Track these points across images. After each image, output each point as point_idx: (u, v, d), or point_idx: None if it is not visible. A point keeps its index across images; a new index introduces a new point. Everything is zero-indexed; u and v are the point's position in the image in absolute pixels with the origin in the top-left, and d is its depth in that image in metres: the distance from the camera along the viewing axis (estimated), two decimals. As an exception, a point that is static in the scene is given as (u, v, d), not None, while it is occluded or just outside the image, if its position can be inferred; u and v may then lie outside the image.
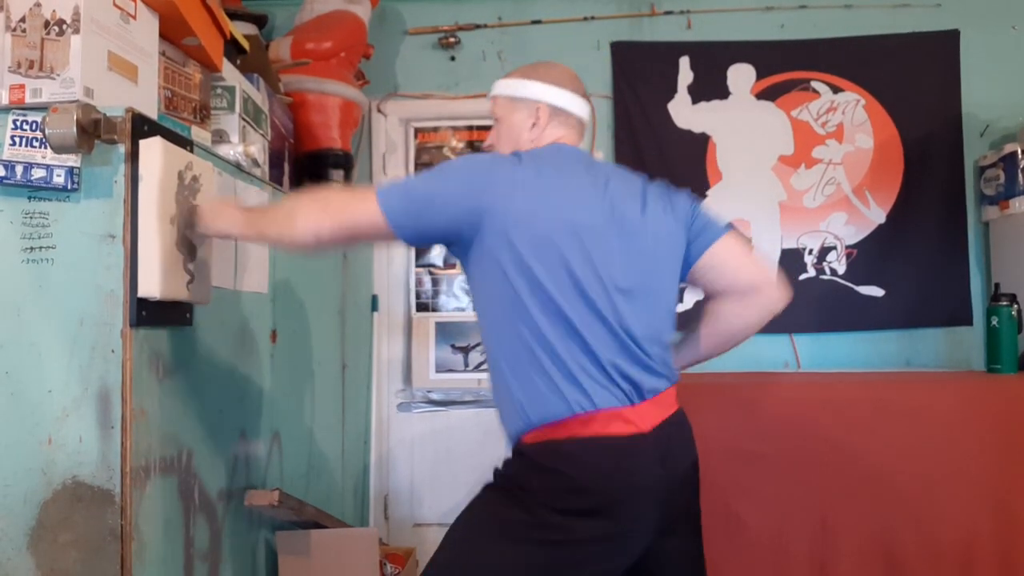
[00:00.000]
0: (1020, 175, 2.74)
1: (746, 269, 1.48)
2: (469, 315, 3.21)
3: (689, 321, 1.64)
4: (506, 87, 1.55)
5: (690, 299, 3.00)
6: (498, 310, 1.36)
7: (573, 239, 1.33)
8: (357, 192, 1.38)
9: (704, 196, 3.07)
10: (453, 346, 3.19)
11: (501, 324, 1.36)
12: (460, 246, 1.39)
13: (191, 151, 1.52)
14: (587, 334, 1.31)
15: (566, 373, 1.31)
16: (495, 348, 1.38)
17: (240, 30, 2.13)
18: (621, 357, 1.34)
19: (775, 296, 1.48)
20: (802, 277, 3.02)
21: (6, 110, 1.36)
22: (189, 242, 1.47)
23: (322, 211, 1.34)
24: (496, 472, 1.40)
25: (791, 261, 3.02)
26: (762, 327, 1.51)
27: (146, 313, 1.37)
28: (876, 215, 3.05)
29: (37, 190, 1.35)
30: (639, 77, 3.12)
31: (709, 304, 1.54)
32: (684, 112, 3.10)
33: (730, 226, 1.50)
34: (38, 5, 1.37)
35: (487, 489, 1.40)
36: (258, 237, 1.51)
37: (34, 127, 1.35)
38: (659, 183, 1.52)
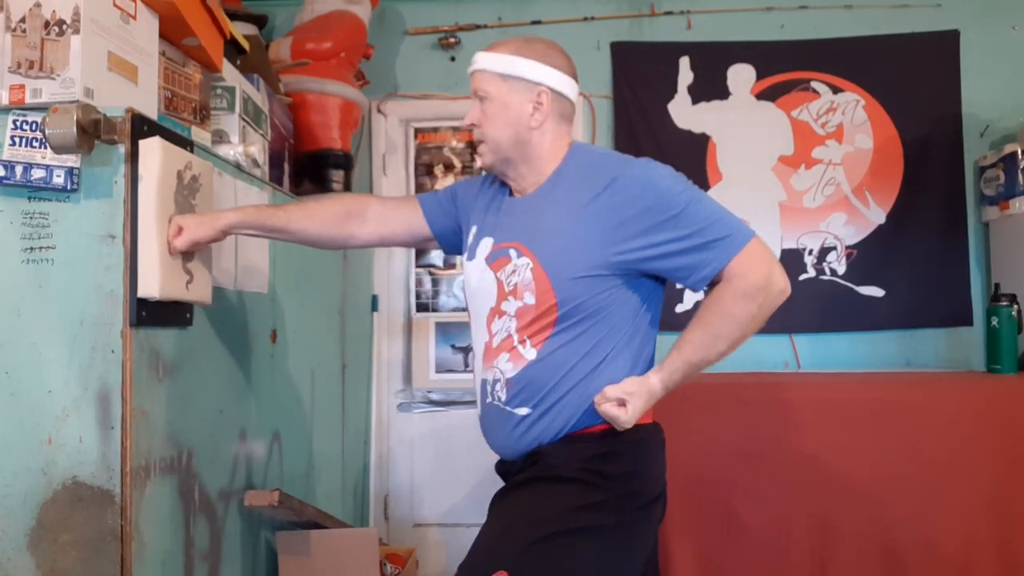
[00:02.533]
0: (1020, 175, 2.74)
1: None
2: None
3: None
4: (498, 62, 1.44)
5: (690, 299, 3.00)
6: (631, 310, 1.41)
7: None
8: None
9: (704, 196, 3.07)
10: (453, 346, 3.19)
11: (624, 322, 1.41)
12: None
13: (191, 151, 1.52)
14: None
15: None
16: (603, 348, 1.39)
17: (240, 30, 2.13)
18: None
19: None
20: (802, 277, 3.02)
21: (6, 110, 1.36)
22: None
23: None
24: (590, 467, 1.37)
25: (791, 261, 3.01)
26: None
27: (146, 313, 1.37)
28: (876, 215, 3.05)
29: (37, 190, 1.35)
30: (639, 77, 3.12)
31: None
32: (684, 112, 3.10)
33: None
34: (38, 5, 1.37)
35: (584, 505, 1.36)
36: None
37: (34, 127, 1.35)
38: None
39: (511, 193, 1.52)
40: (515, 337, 1.41)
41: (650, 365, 1.45)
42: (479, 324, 1.48)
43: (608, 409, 1.34)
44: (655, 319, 1.46)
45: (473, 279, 1.50)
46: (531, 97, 1.43)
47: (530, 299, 1.38)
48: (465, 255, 1.56)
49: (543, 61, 1.43)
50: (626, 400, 1.33)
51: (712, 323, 1.34)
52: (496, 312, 1.43)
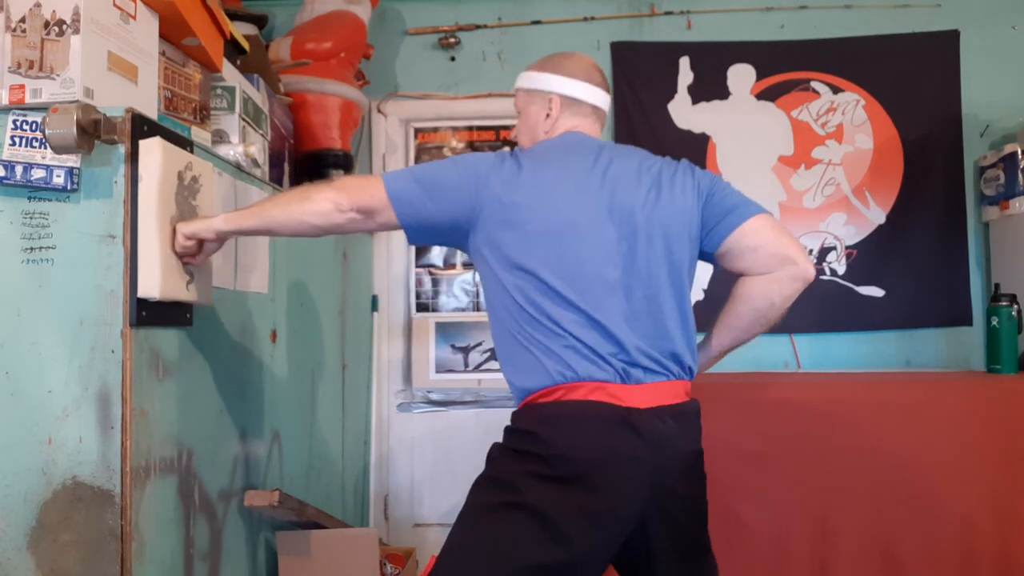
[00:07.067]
0: (1020, 175, 2.74)
1: (781, 242, 1.47)
2: (469, 315, 3.22)
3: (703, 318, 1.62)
4: (524, 80, 1.60)
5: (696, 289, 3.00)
6: (493, 298, 1.44)
7: (562, 234, 1.38)
8: (367, 176, 1.45)
9: (704, 196, 3.07)
10: (453, 346, 3.19)
11: (496, 309, 1.44)
12: (457, 240, 1.47)
13: (191, 151, 1.51)
14: (568, 324, 1.36)
15: (547, 350, 1.37)
16: (495, 330, 1.47)
17: (240, 30, 2.13)
18: (605, 345, 1.36)
19: (807, 266, 1.47)
20: (802, 277, 3.02)
21: (6, 110, 1.36)
22: (189, 242, 1.47)
23: (337, 189, 1.40)
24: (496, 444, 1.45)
25: (791, 261, 3.01)
26: (791, 302, 1.48)
27: (146, 313, 1.37)
28: (876, 215, 3.05)
29: (37, 190, 1.35)
30: (639, 77, 3.12)
31: (737, 287, 1.52)
32: (684, 112, 3.10)
33: (760, 208, 1.51)
34: (38, 5, 1.37)
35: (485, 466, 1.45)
36: (266, 222, 1.44)
37: (34, 127, 1.35)
38: (681, 163, 1.53)
39: None
40: None
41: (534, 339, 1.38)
42: None
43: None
44: (523, 289, 1.38)
45: None
46: (544, 105, 1.56)
47: None
48: None
49: (555, 71, 1.56)
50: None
51: (282, 201, 1.43)
52: None
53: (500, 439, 1.44)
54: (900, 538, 2.28)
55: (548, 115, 1.55)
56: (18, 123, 1.35)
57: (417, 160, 3.27)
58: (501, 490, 1.35)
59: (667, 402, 1.39)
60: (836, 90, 3.08)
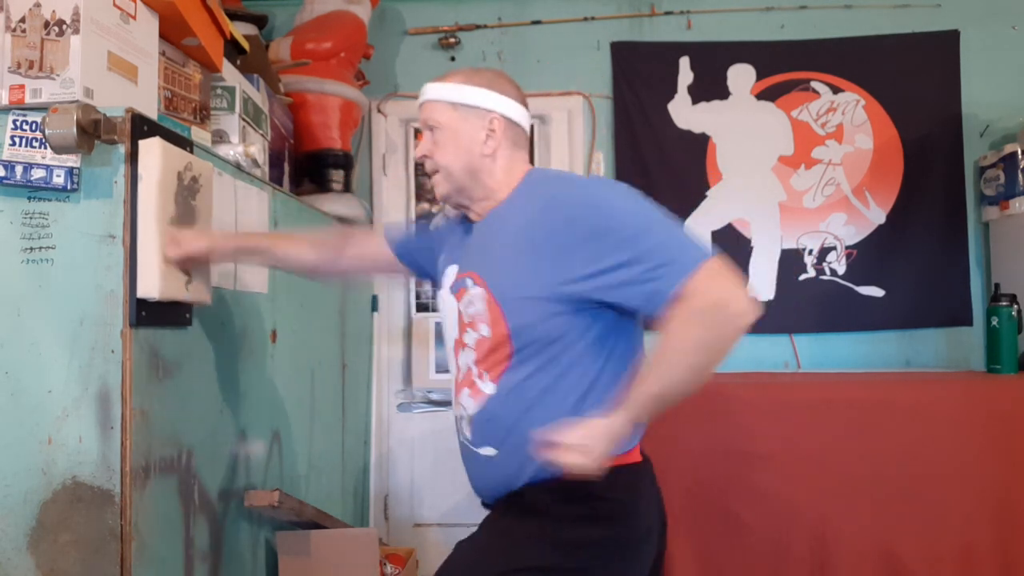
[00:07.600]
0: (1020, 175, 2.74)
1: None
2: (469, 315, 3.21)
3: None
4: (448, 92, 1.39)
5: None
6: (594, 342, 1.28)
7: None
8: (712, 271, 1.16)
9: (704, 196, 3.08)
10: (453, 346, 3.18)
11: (587, 355, 1.28)
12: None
13: (191, 151, 1.51)
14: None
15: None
16: (565, 384, 1.28)
17: (240, 30, 2.13)
18: None
19: None
20: (802, 277, 3.02)
21: (6, 110, 1.36)
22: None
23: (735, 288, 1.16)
24: (567, 511, 1.29)
25: (791, 261, 3.02)
26: None
27: (146, 313, 1.37)
28: (876, 215, 3.05)
29: (37, 190, 1.35)
30: (639, 77, 3.12)
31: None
32: (684, 112, 3.10)
33: None
34: (38, 5, 1.37)
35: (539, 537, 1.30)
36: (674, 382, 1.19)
37: (34, 127, 1.35)
38: None
39: (471, 220, 1.47)
40: (474, 371, 1.34)
41: None
42: (450, 357, 1.44)
43: (569, 459, 1.16)
44: (631, 346, 1.32)
45: (443, 309, 1.48)
46: (483, 124, 1.37)
47: (485, 331, 1.31)
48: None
49: (492, 88, 1.38)
50: (587, 446, 1.16)
51: (664, 351, 1.18)
52: (460, 344, 1.39)
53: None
54: (900, 538, 2.28)
55: (490, 136, 1.37)
56: (18, 123, 1.35)
57: (417, 160, 3.26)
58: (570, 558, 1.26)
59: None
60: (836, 90, 3.08)
